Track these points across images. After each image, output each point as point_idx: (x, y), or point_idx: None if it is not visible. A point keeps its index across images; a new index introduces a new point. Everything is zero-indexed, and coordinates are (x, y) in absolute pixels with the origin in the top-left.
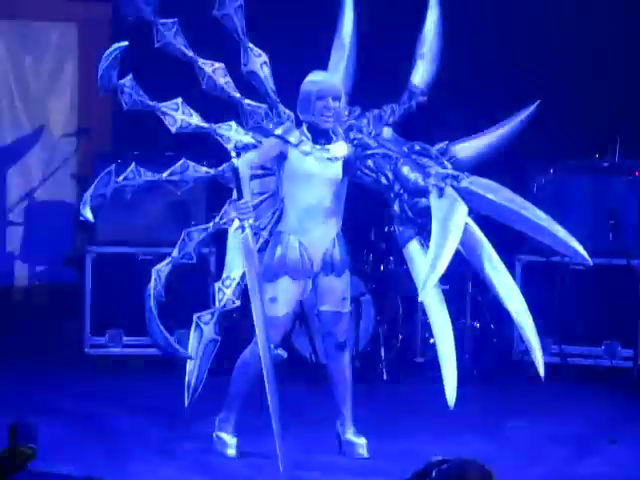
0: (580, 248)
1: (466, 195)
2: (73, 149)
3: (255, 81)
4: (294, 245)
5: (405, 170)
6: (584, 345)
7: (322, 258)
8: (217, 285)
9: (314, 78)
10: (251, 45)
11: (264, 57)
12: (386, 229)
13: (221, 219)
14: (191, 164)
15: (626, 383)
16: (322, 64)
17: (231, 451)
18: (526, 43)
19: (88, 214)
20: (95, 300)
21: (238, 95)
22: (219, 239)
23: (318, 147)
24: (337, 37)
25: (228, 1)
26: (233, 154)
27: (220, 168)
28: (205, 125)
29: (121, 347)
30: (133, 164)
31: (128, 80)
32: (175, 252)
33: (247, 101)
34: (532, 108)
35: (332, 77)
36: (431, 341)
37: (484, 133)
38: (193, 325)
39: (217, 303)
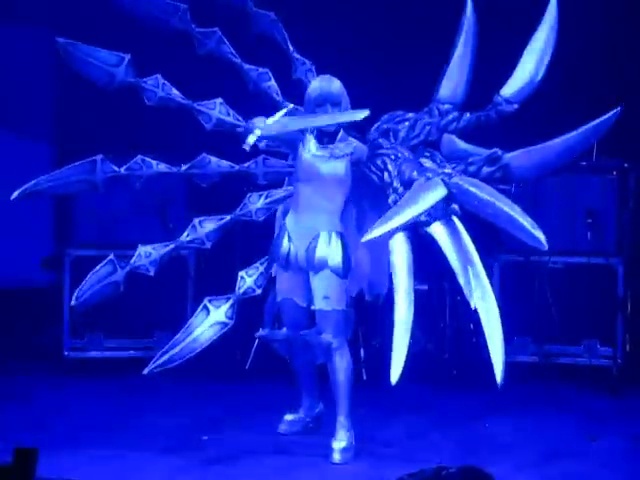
0: (538, 233)
1: (456, 191)
2: (49, 150)
3: (303, 88)
4: (283, 235)
5: (404, 167)
6: (563, 344)
7: (305, 253)
8: (241, 273)
9: (315, 84)
10: (296, 55)
11: (308, 65)
12: None
13: (240, 210)
14: (213, 159)
15: (605, 381)
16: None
17: (282, 427)
18: (510, 43)
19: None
20: None
21: (280, 98)
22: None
23: (320, 146)
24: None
25: (261, 18)
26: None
27: (246, 164)
28: (242, 124)
29: (100, 350)
30: (139, 156)
31: (152, 79)
32: (183, 236)
33: (288, 104)
34: (604, 118)
35: (332, 83)
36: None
37: (543, 144)
38: (201, 305)
39: (237, 290)
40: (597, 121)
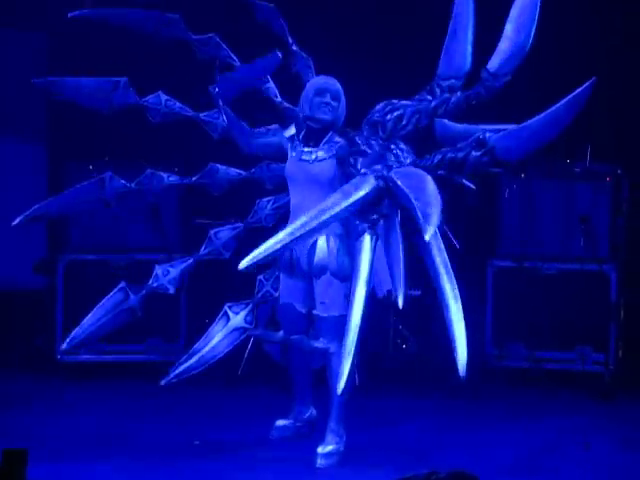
0: (426, 224)
1: (392, 184)
2: (43, 153)
3: (301, 82)
4: None
5: (366, 164)
6: (556, 350)
7: (307, 259)
8: (259, 277)
9: (317, 78)
10: (295, 47)
11: (305, 58)
12: None
13: (252, 218)
14: (221, 167)
15: (598, 387)
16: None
17: (274, 432)
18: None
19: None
20: (67, 307)
21: (278, 99)
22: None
23: (306, 149)
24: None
25: (261, 9)
26: None
27: (252, 170)
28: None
29: (92, 354)
30: (148, 170)
31: (154, 96)
32: (201, 249)
33: (286, 104)
34: (578, 91)
35: (335, 81)
36: (403, 347)
37: (523, 123)
38: (221, 312)
39: (256, 294)
40: (573, 94)
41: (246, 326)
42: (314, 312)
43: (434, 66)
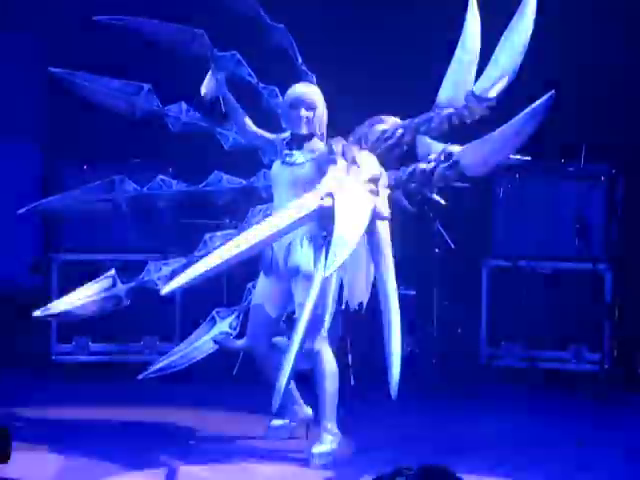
0: (335, 261)
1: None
2: (38, 153)
3: None
4: None
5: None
6: (551, 349)
7: (283, 260)
8: (248, 285)
9: (293, 88)
10: (303, 67)
11: (310, 76)
12: None
13: (245, 224)
14: (224, 176)
15: (592, 387)
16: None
17: (268, 432)
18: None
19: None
20: None
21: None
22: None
23: (288, 152)
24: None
25: (273, 31)
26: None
27: (251, 179)
28: (257, 143)
29: (88, 354)
30: (159, 176)
31: (176, 105)
32: (195, 252)
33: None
34: (537, 103)
35: (309, 88)
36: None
37: (488, 136)
38: (209, 316)
39: (243, 301)
40: (532, 107)
41: (230, 331)
42: (295, 315)
43: (435, 85)
